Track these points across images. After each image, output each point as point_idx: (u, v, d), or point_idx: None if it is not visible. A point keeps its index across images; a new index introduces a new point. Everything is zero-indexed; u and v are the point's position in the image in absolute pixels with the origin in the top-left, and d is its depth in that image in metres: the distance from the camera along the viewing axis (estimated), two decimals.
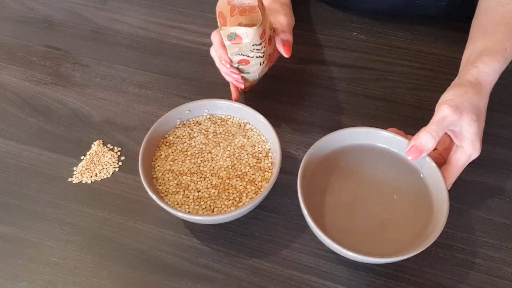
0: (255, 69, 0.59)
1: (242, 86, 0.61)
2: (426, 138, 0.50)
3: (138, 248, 0.54)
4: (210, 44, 0.59)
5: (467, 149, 0.51)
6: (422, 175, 0.55)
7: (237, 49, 0.55)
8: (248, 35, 0.53)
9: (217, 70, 0.62)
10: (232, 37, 0.53)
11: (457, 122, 0.50)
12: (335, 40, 0.76)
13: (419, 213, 0.52)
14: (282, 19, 0.62)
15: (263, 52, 0.57)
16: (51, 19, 0.82)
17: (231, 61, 0.58)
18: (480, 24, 0.60)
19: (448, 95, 0.52)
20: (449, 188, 0.52)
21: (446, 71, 0.71)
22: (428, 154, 0.53)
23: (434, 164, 0.53)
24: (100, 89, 0.71)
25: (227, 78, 0.61)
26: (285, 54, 0.59)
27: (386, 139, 0.57)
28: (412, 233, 0.50)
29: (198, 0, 0.84)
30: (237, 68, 0.59)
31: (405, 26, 0.77)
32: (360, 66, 0.72)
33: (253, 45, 0.54)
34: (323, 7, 0.82)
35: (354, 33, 0.77)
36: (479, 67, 0.54)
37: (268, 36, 0.58)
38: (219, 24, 0.54)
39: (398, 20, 0.78)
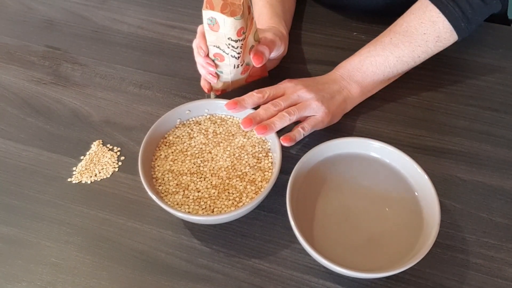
0: (228, 70, 0.59)
1: (215, 81, 0.61)
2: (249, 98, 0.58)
3: (137, 249, 0.54)
4: None
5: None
6: (414, 191, 0.54)
7: (214, 37, 0.55)
8: (226, 24, 0.52)
9: None
10: (212, 21, 0.53)
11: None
12: (335, 40, 0.76)
13: (409, 226, 0.51)
14: (268, 35, 0.61)
15: (239, 54, 0.56)
16: (50, 19, 0.82)
17: (209, 52, 0.58)
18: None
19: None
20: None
21: (447, 71, 0.71)
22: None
23: (426, 177, 0.52)
24: (99, 89, 0.70)
25: (201, 70, 0.61)
26: (255, 63, 0.58)
27: (377, 149, 0.56)
28: (402, 248, 0.50)
29: (198, 0, 0.84)
30: (213, 61, 0.59)
31: None
32: None
33: (228, 39, 0.54)
34: (323, 7, 0.81)
35: (354, 33, 0.77)
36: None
37: (251, 45, 0.58)
38: (203, 6, 0.53)
39: None
